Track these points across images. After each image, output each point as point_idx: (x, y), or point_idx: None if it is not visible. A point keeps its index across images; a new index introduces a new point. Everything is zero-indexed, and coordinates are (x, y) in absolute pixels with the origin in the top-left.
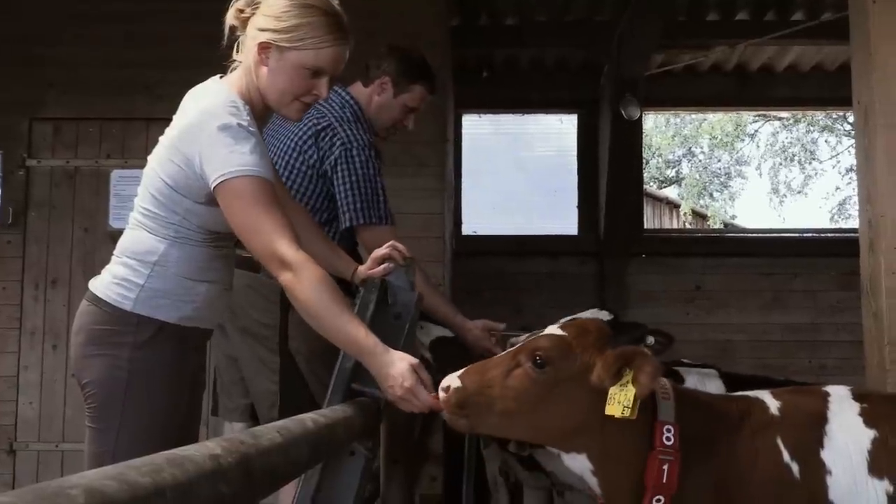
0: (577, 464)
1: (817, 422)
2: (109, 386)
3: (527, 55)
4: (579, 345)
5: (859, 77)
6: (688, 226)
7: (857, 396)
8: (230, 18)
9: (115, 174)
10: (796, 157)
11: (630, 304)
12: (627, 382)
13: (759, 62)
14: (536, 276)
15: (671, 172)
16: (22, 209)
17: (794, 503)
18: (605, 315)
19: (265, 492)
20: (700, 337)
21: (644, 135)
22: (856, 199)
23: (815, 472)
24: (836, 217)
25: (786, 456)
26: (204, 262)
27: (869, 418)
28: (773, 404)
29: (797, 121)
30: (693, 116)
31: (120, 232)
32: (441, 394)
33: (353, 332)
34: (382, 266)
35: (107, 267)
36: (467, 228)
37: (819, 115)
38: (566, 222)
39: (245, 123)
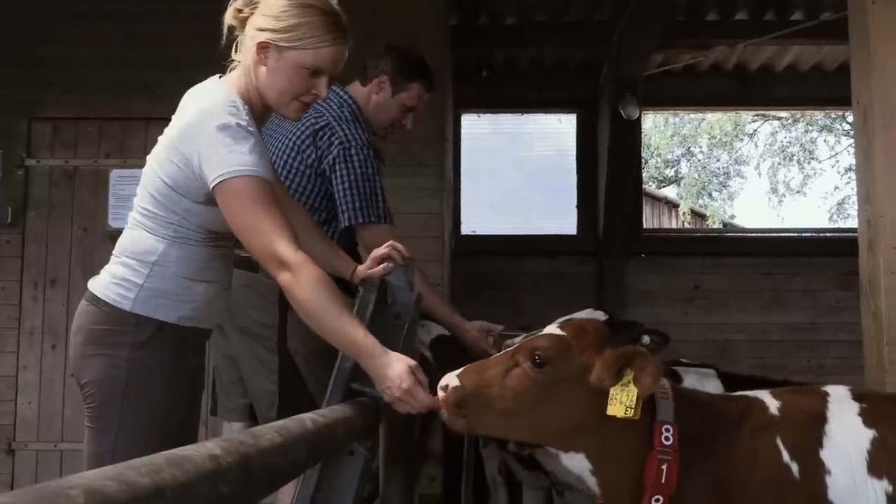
0: (576, 463)
1: (817, 422)
2: (108, 386)
3: (526, 55)
4: (578, 345)
5: (858, 77)
6: (687, 225)
7: (857, 396)
8: (229, 18)
9: (114, 174)
10: (795, 157)
11: (629, 304)
12: (629, 382)
13: (759, 62)
14: (535, 275)
15: (670, 172)
16: (21, 209)
17: (794, 503)
18: (600, 315)
19: (265, 492)
20: (699, 336)
21: (643, 134)
22: (855, 198)
23: (815, 471)
24: (834, 217)
25: (785, 456)
26: (203, 261)
27: (868, 418)
28: (773, 404)
29: (796, 120)
30: (692, 116)
31: (119, 231)
32: (440, 392)
33: (352, 333)
34: (382, 266)
35: (106, 267)
36: (466, 228)
37: (818, 115)
38: (565, 222)
39: (244, 123)
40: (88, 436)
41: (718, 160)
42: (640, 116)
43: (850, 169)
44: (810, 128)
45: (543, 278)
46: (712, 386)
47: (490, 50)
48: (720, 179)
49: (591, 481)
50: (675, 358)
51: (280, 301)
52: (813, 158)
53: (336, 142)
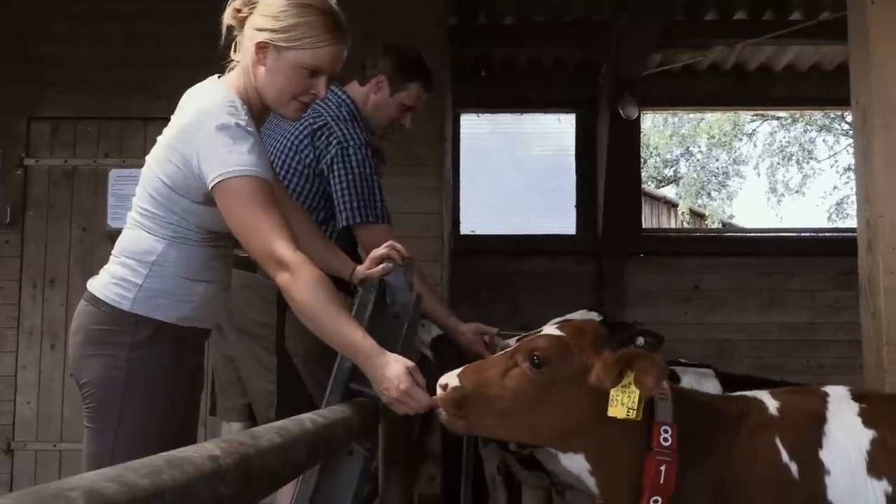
0: (575, 464)
1: (816, 422)
2: (108, 386)
3: (525, 55)
4: (577, 345)
5: (857, 77)
6: (686, 225)
7: (856, 396)
8: (227, 18)
9: (114, 173)
10: (794, 157)
11: (628, 304)
12: (630, 384)
13: (758, 62)
14: (534, 275)
15: (669, 172)
16: (20, 208)
17: (793, 503)
18: (594, 316)
19: (264, 493)
20: (698, 336)
21: (642, 134)
22: (853, 198)
23: (814, 472)
24: (833, 216)
25: (784, 456)
26: (202, 261)
27: (868, 418)
28: (772, 404)
29: (795, 120)
30: (691, 116)
31: (118, 231)
32: (439, 391)
33: (350, 334)
34: (381, 266)
35: (105, 267)
36: (465, 228)
37: (817, 115)
38: (564, 222)
39: (243, 123)
40: (87, 436)
41: (717, 160)
42: (639, 116)
43: (848, 169)
44: (809, 127)
45: (542, 278)
46: (710, 386)
47: (489, 50)
48: (719, 179)
49: (590, 482)
50: (674, 358)
51: (278, 301)
52: (812, 158)
53: (334, 141)
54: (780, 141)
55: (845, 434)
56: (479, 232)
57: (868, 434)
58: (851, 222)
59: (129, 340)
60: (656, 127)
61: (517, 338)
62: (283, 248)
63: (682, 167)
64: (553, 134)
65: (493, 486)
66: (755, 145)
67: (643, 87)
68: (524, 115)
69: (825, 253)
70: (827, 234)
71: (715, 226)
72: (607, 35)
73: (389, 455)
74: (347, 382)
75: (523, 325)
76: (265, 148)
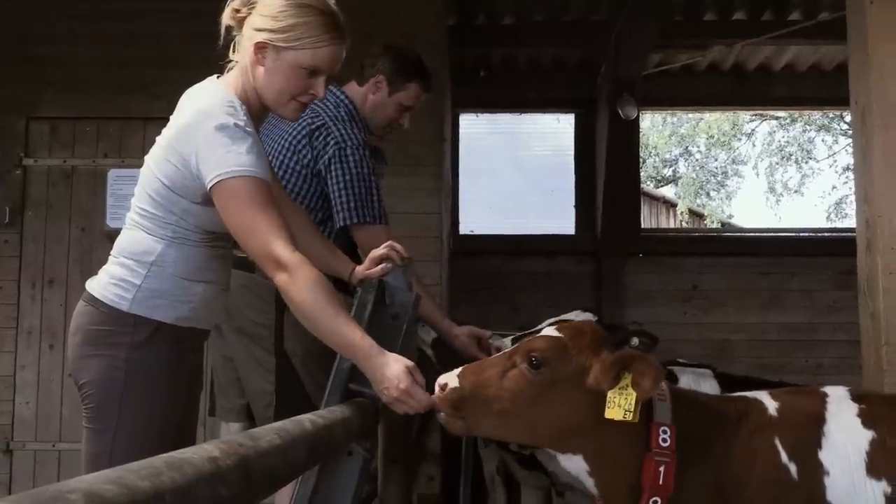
0: (574, 465)
1: (815, 422)
2: (106, 386)
3: (524, 55)
4: (575, 346)
5: (857, 77)
6: (685, 224)
7: (856, 397)
8: (226, 18)
9: (113, 173)
10: (793, 157)
11: (627, 304)
12: (627, 386)
13: (757, 62)
14: (533, 275)
15: (668, 171)
16: (19, 208)
17: None
18: (588, 316)
19: (264, 494)
20: (697, 336)
21: (641, 134)
22: (852, 198)
23: (813, 472)
24: (832, 216)
25: (784, 457)
26: (201, 262)
27: (867, 419)
28: (771, 405)
29: (794, 120)
30: (690, 115)
31: (117, 231)
32: (437, 390)
33: (349, 334)
34: (380, 266)
35: (104, 267)
36: (464, 228)
37: (816, 115)
38: (563, 222)
39: (242, 123)
40: (86, 436)
41: (716, 160)
42: (638, 116)
43: (847, 168)
44: (808, 127)
45: (541, 278)
46: (709, 386)
47: (488, 50)
48: (718, 179)
49: (589, 482)
50: (673, 358)
51: (277, 301)
52: (811, 158)
53: (332, 142)
54: (779, 141)
55: (844, 435)
56: (478, 232)
57: (867, 435)
58: (850, 222)
59: (127, 341)
60: (655, 127)
61: (512, 337)
62: (281, 249)
63: (681, 167)
64: (552, 134)
65: (493, 487)
66: (754, 145)
67: (642, 87)
68: (523, 115)
69: (824, 253)
70: (826, 234)
71: (714, 226)
72: (606, 35)
73: (389, 455)
74: (346, 383)
75: (522, 325)
76: (264, 148)
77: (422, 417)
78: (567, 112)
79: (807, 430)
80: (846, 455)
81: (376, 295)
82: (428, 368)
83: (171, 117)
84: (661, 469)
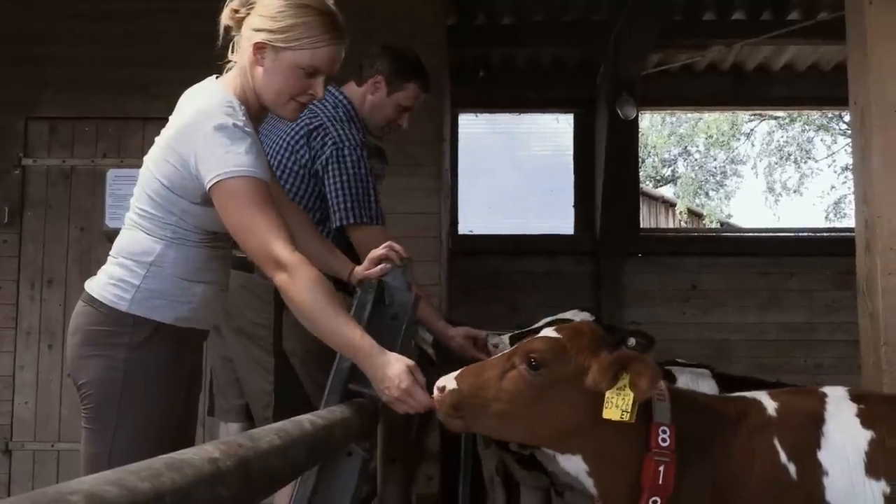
0: (573, 465)
1: (814, 423)
2: (106, 386)
3: (523, 55)
4: (573, 347)
5: (855, 77)
6: (683, 224)
7: (855, 397)
8: (225, 18)
9: (112, 173)
10: (792, 157)
11: (626, 304)
12: (625, 386)
13: (756, 62)
14: (533, 275)
15: (667, 171)
16: (18, 208)
17: None
18: (586, 315)
19: (263, 494)
20: (696, 336)
21: (640, 134)
22: (851, 197)
23: (812, 472)
24: (831, 216)
25: (783, 457)
26: (201, 262)
27: (866, 419)
28: (770, 405)
29: (793, 120)
30: (689, 115)
31: (116, 231)
32: (436, 394)
33: (349, 334)
34: (379, 266)
35: (103, 267)
36: (463, 228)
37: (815, 115)
38: (562, 222)
39: (241, 124)
40: (85, 437)
41: (715, 159)
42: (637, 116)
43: (846, 168)
44: (807, 127)
45: (541, 278)
46: (706, 386)
47: (487, 50)
48: (717, 179)
49: (588, 483)
50: (672, 357)
51: (275, 301)
52: (809, 158)
53: (329, 142)
54: (778, 140)
55: (844, 435)
56: (477, 232)
57: (866, 435)
58: (849, 222)
59: (126, 341)
60: (654, 126)
61: (510, 335)
62: (280, 249)
63: (680, 167)
64: (551, 134)
65: (492, 487)
66: (753, 145)
67: (641, 87)
68: (522, 115)
69: (823, 253)
70: (825, 234)
71: (713, 225)
72: (606, 35)
73: (388, 455)
74: (346, 383)
75: (520, 325)
76: (263, 148)
77: (421, 417)
78: (566, 112)
79: (806, 430)
80: (845, 455)
81: (375, 295)
82: (428, 368)
83: (171, 118)
84: (661, 469)
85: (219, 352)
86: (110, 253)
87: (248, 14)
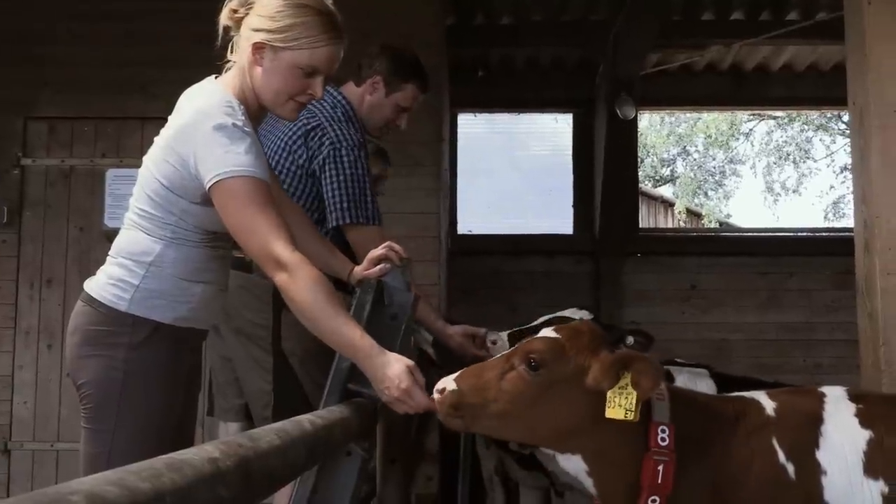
0: (572, 465)
1: (813, 422)
2: (105, 386)
3: (522, 55)
4: (573, 347)
5: (854, 78)
6: (682, 224)
7: (853, 397)
8: (224, 19)
9: (111, 173)
10: (791, 156)
11: (625, 304)
12: (627, 385)
13: (755, 62)
14: (532, 275)
15: (666, 171)
16: (17, 208)
17: None
18: (585, 314)
19: (263, 494)
20: (695, 336)
21: (639, 134)
22: (850, 197)
23: (811, 472)
24: (829, 216)
25: (781, 457)
26: (200, 262)
27: (864, 419)
28: (769, 405)
29: (792, 119)
30: (688, 115)
31: (115, 231)
32: (436, 395)
33: (349, 334)
34: (379, 267)
35: (102, 267)
36: (463, 228)
37: (813, 115)
38: (561, 221)
39: (240, 123)
40: (85, 436)
41: (714, 159)
42: (636, 116)
43: (845, 168)
44: (806, 127)
45: (540, 278)
46: (704, 385)
47: (486, 50)
48: (716, 178)
49: (588, 482)
50: (671, 357)
51: (274, 301)
52: (808, 158)
53: (327, 142)
54: (777, 140)
55: (842, 434)
56: (476, 232)
57: (865, 434)
58: (848, 221)
59: (126, 341)
60: (653, 126)
61: (509, 332)
62: (281, 249)
63: (679, 167)
64: (550, 134)
65: (491, 487)
66: (752, 145)
67: (640, 87)
68: (521, 114)
69: (822, 252)
70: (824, 234)
71: (712, 225)
72: (605, 35)
73: (388, 455)
74: (345, 383)
75: (519, 324)
76: (262, 148)
77: (420, 417)
78: (565, 112)
79: (804, 430)
80: (843, 455)
81: (375, 295)
82: (429, 368)
83: (170, 118)
84: (660, 468)
85: (218, 352)
86: (109, 253)
87: (247, 14)
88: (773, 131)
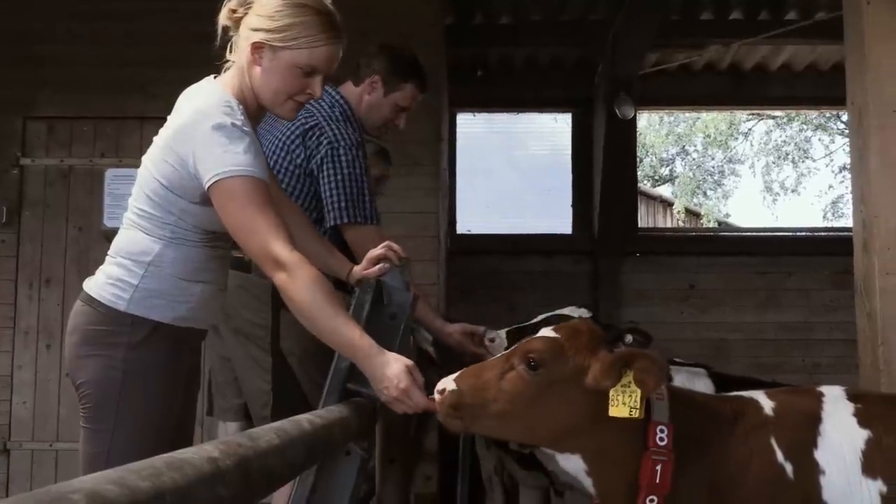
0: (572, 464)
1: (811, 422)
2: (104, 386)
3: (521, 54)
4: (572, 346)
5: (853, 77)
6: (681, 224)
7: (852, 397)
8: (223, 18)
9: (110, 173)
10: (790, 156)
11: (624, 304)
12: (629, 383)
13: (753, 61)
14: (531, 274)
15: (665, 171)
16: (16, 208)
17: (788, 503)
18: (583, 312)
19: (262, 494)
20: (694, 336)
21: (638, 133)
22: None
23: (809, 472)
24: (828, 215)
25: (780, 456)
26: (200, 262)
27: (863, 418)
28: (768, 404)
29: (791, 119)
30: (687, 115)
31: (114, 231)
32: (436, 396)
33: (348, 334)
34: (378, 266)
35: (101, 267)
36: (462, 227)
37: (812, 114)
38: (560, 221)
39: (239, 123)
40: (84, 436)
41: (713, 159)
42: (635, 115)
43: (844, 168)
44: (805, 127)
45: (539, 277)
46: (702, 385)
47: (485, 49)
48: (715, 178)
49: (587, 482)
50: (670, 357)
51: (272, 301)
52: (807, 157)
53: (325, 141)
54: (776, 140)
55: (840, 434)
56: (475, 231)
57: (863, 434)
58: (847, 221)
59: (125, 341)
60: (652, 126)
61: (507, 330)
62: (280, 248)
63: (678, 166)
64: (549, 133)
65: (490, 486)
66: (751, 144)
67: (639, 87)
68: (520, 114)
69: (821, 252)
70: (822, 234)
71: (710, 225)
72: (604, 34)
73: (387, 454)
74: (344, 382)
75: (518, 323)
76: (261, 148)
77: (419, 417)
78: (564, 111)
79: (803, 429)
80: (842, 454)
81: (374, 295)
82: (428, 367)
83: (169, 118)
84: (659, 468)
85: (217, 351)
86: (108, 252)
87: (246, 14)
88: (771, 131)
